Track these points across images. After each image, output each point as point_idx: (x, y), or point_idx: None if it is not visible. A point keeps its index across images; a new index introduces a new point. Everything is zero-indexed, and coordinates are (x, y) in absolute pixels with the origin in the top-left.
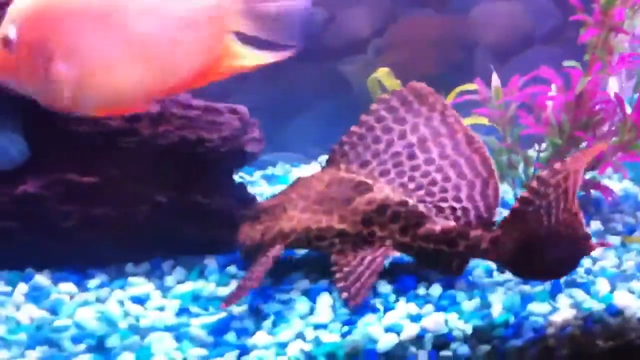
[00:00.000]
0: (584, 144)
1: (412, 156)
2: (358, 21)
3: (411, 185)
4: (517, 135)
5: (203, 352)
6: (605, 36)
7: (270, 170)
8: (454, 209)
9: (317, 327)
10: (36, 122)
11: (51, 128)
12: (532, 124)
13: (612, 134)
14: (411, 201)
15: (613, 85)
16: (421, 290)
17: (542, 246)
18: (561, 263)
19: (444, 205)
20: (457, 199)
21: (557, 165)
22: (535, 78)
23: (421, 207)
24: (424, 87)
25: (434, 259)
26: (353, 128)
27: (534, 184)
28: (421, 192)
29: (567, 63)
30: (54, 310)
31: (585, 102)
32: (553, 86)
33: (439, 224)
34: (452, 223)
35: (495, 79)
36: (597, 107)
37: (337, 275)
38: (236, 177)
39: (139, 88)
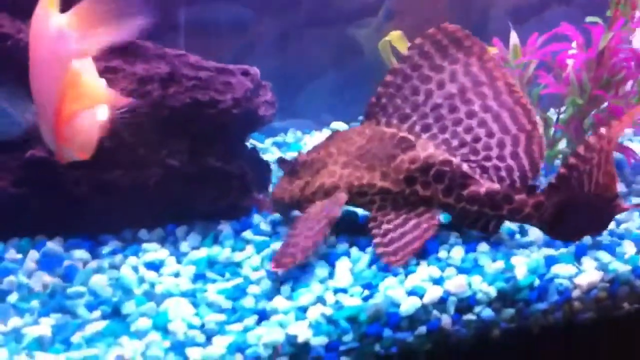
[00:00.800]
0: (605, 104)
1: (453, 109)
2: None
3: (454, 142)
4: (537, 96)
5: (221, 317)
6: None
7: (281, 137)
8: (497, 169)
9: (337, 291)
10: None
11: None
12: (552, 83)
13: (636, 93)
14: (455, 160)
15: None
16: (442, 254)
17: (581, 209)
18: (594, 221)
19: (487, 164)
20: (501, 158)
21: (604, 131)
22: (554, 37)
23: (465, 167)
24: (458, 30)
25: (472, 219)
26: (388, 77)
27: (582, 150)
28: (465, 150)
29: (589, 19)
30: (67, 277)
31: (607, 60)
32: (574, 44)
33: (484, 186)
34: (496, 186)
35: (513, 37)
36: (619, 65)
37: (374, 231)
38: (247, 144)
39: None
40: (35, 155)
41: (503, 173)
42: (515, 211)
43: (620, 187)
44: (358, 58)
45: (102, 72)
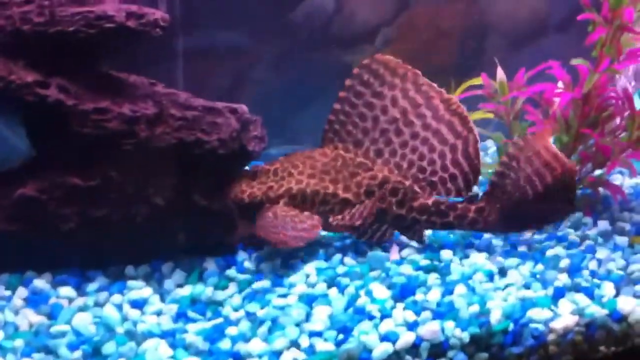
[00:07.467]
0: (591, 141)
1: (398, 133)
2: (366, 10)
3: (404, 164)
4: (524, 131)
5: None
6: (613, 34)
7: None
8: (444, 180)
9: (312, 334)
10: (36, 123)
11: (50, 129)
12: (539, 121)
13: (622, 130)
14: (407, 182)
15: (622, 83)
16: (419, 296)
17: (533, 207)
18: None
19: (434, 179)
20: (444, 168)
21: (518, 140)
22: (544, 71)
23: (416, 187)
24: (391, 59)
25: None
26: (336, 106)
27: (504, 158)
28: (414, 170)
29: (574, 61)
30: (52, 315)
31: (593, 99)
32: (560, 83)
33: (431, 199)
34: (443, 198)
35: (500, 74)
36: (606, 102)
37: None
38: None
39: None
40: (25, 194)
41: (449, 185)
42: (460, 217)
43: (604, 225)
44: None
45: (91, 113)
